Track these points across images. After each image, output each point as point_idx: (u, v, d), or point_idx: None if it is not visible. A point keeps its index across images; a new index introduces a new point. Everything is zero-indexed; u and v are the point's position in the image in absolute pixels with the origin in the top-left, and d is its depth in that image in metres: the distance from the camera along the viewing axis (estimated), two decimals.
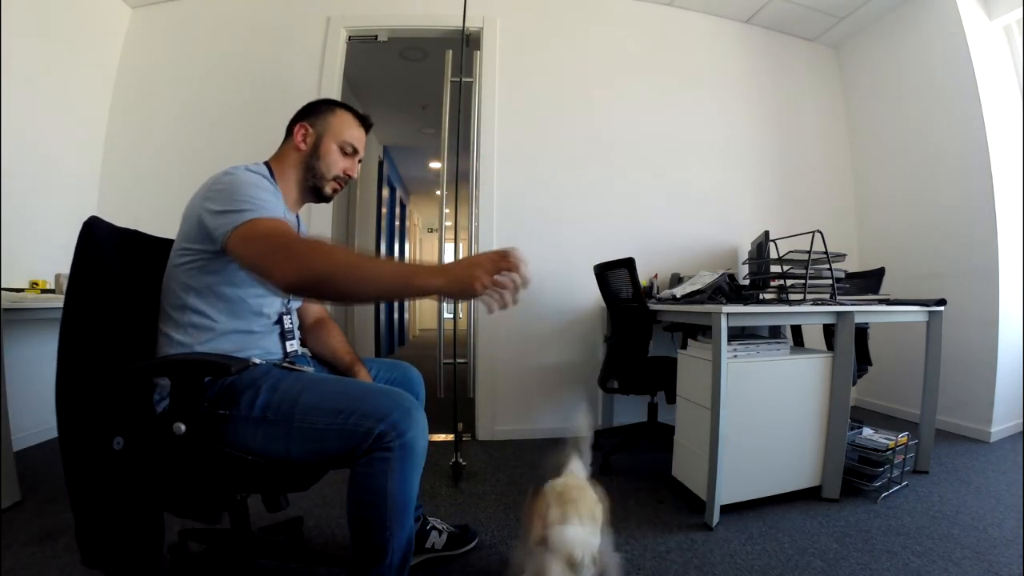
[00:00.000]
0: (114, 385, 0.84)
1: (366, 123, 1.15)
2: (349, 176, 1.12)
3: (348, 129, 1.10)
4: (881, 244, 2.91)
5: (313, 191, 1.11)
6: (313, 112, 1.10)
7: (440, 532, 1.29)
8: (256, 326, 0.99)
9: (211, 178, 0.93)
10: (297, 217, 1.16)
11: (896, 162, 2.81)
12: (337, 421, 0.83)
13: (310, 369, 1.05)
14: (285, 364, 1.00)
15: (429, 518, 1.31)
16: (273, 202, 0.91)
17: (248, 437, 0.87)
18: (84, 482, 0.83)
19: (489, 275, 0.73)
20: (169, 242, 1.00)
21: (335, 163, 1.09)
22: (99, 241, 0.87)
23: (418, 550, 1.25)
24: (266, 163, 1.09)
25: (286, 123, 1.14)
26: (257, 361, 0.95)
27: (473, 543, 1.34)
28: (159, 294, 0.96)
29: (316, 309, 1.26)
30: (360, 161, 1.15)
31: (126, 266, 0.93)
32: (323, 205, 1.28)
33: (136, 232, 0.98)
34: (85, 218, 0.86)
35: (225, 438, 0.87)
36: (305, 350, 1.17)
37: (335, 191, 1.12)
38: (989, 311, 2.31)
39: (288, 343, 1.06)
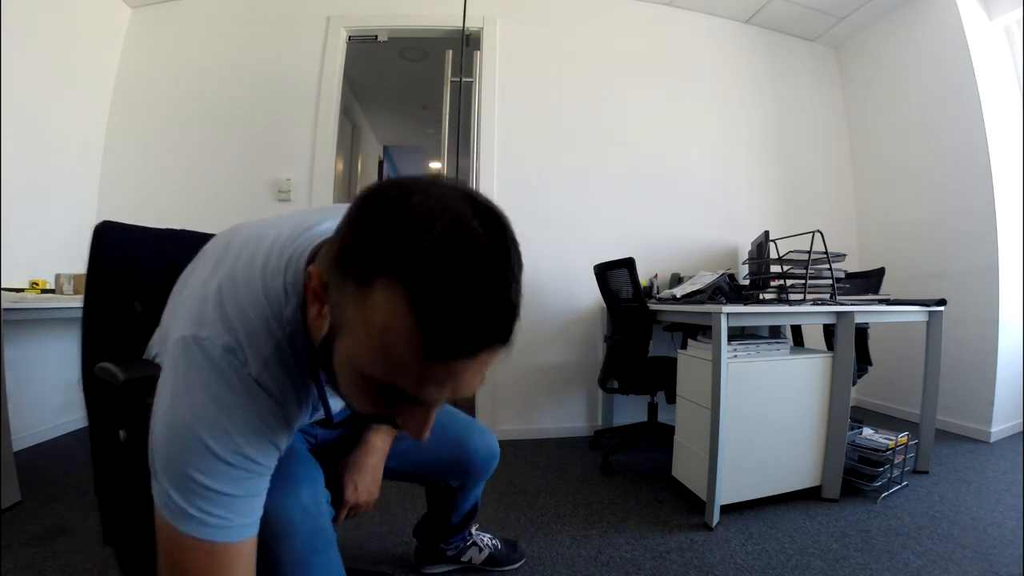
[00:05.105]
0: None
1: (467, 333, 0.39)
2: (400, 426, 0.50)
3: (389, 357, 0.40)
4: (881, 244, 2.90)
5: None
6: (340, 256, 0.43)
7: (480, 550, 1.23)
8: None
9: (186, 329, 0.52)
10: None
11: (896, 162, 2.80)
12: None
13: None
14: None
15: (476, 533, 1.25)
16: (238, 486, 0.49)
17: None
18: (104, 470, 0.82)
19: None
20: (179, 233, 0.97)
21: (362, 407, 0.48)
22: (111, 246, 0.85)
23: (452, 561, 1.22)
24: (307, 276, 0.49)
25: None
26: None
27: (516, 565, 1.25)
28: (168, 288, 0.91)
29: None
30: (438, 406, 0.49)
31: (137, 265, 0.91)
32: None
33: (150, 229, 0.96)
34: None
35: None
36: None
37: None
38: (989, 311, 2.31)
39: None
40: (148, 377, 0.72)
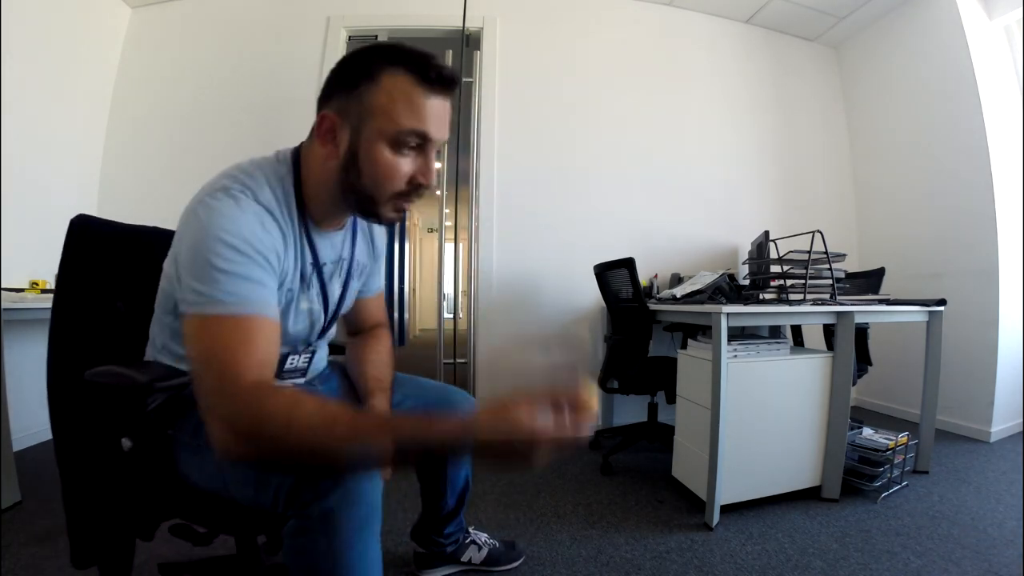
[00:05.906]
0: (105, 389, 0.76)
1: (439, 78, 0.66)
2: (420, 185, 0.70)
3: (405, 105, 0.65)
4: (881, 244, 2.90)
5: (364, 215, 0.75)
6: (344, 85, 0.67)
7: (480, 548, 1.23)
8: None
9: (198, 195, 0.67)
10: (354, 230, 0.86)
11: (896, 162, 2.80)
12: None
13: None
14: None
15: (474, 531, 1.26)
16: (250, 271, 0.63)
17: (188, 464, 0.74)
18: (88, 482, 0.78)
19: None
20: (164, 232, 0.92)
21: (388, 176, 0.67)
22: (88, 241, 0.81)
23: (453, 562, 1.23)
24: (295, 155, 0.75)
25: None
26: None
27: (516, 563, 1.27)
28: (152, 289, 0.86)
29: (375, 315, 1.02)
30: (439, 144, 0.70)
31: (118, 263, 0.87)
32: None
33: (129, 226, 0.92)
34: None
35: (176, 461, 0.76)
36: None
37: (400, 212, 0.72)
38: (989, 311, 2.31)
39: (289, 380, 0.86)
40: (168, 374, 0.74)
